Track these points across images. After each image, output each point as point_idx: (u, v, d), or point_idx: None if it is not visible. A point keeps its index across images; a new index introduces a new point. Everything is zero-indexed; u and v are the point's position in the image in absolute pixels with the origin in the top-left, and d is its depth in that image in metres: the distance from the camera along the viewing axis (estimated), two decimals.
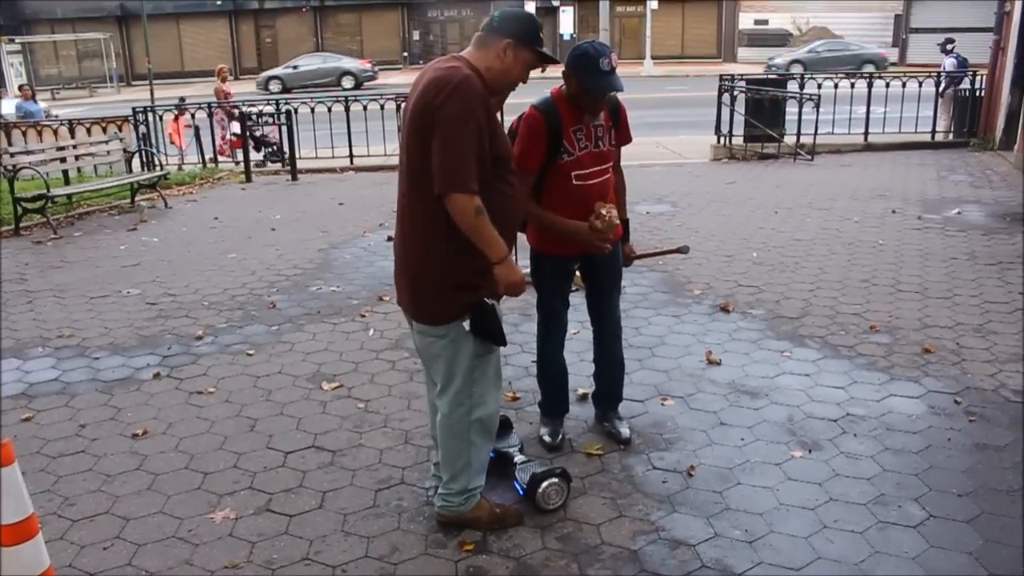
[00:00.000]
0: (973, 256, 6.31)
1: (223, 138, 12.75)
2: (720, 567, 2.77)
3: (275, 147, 12.45)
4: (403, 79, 29.05)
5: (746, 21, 36.24)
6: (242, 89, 20.48)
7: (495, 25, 2.71)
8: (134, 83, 35.02)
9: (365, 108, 11.64)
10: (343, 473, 3.45)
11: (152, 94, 20.63)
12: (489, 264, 2.65)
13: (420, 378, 3.90)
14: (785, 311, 5.22)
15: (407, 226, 2.75)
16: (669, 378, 4.28)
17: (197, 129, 12.29)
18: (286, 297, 5.87)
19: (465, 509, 2.95)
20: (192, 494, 3.32)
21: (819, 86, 11.79)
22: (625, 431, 3.62)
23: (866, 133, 12.00)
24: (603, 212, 3.13)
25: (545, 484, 3.06)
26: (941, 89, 12.60)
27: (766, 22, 35.88)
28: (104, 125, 11.14)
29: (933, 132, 12.27)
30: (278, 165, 12.24)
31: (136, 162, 10.84)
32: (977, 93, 12.06)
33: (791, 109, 11.69)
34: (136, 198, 9.67)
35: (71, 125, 11.29)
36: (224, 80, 13.90)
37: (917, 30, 32.93)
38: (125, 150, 10.24)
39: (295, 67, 30.54)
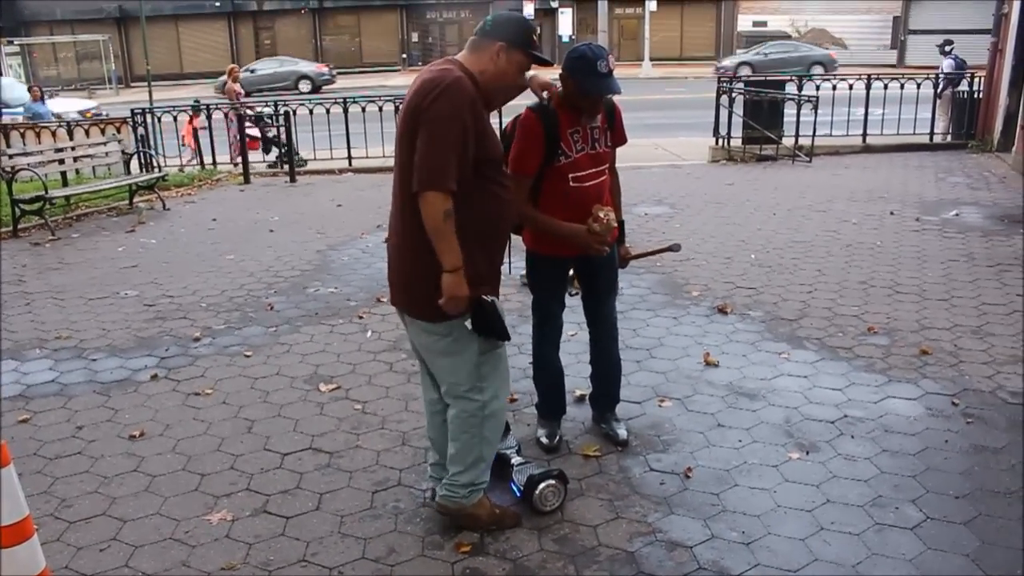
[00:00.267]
0: (971, 258, 6.31)
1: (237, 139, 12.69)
2: (717, 569, 2.77)
3: (286, 148, 12.41)
4: (402, 80, 29.05)
5: (745, 23, 36.31)
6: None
7: (488, 29, 2.74)
8: (133, 85, 35.04)
9: (364, 110, 11.65)
10: (340, 475, 3.45)
11: (151, 96, 20.63)
12: (460, 267, 2.60)
13: (417, 380, 3.90)
14: (783, 313, 5.22)
15: (400, 225, 2.76)
16: (667, 380, 4.28)
17: (207, 131, 12.22)
18: (284, 299, 5.87)
19: (468, 503, 2.95)
20: (189, 495, 3.32)
21: (817, 87, 11.80)
22: (622, 433, 3.62)
23: (864, 135, 12.00)
24: (600, 215, 3.13)
25: (542, 486, 3.07)
26: (939, 90, 12.62)
27: (765, 24, 35.92)
28: (103, 127, 11.14)
29: (931, 134, 12.27)
30: (287, 166, 12.19)
31: (135, 163, 10.84)
32: (975, 95, 12.07)
33: (789, 111, 11.71)
34: (134, 200, 9.66)
35: (70, 127, 11.28)
36: (236, 80, 13.80)
37: (916, 32, 33.00)
38: (123, 152, 10.23)
39: (252, 71, 29.82)
